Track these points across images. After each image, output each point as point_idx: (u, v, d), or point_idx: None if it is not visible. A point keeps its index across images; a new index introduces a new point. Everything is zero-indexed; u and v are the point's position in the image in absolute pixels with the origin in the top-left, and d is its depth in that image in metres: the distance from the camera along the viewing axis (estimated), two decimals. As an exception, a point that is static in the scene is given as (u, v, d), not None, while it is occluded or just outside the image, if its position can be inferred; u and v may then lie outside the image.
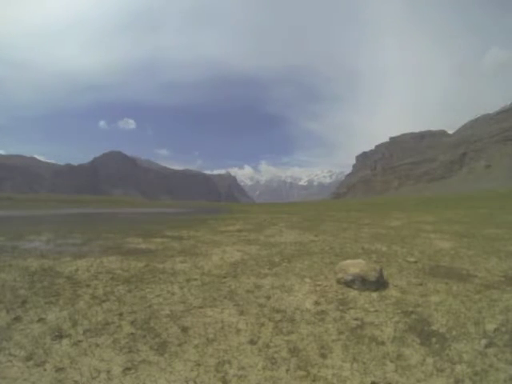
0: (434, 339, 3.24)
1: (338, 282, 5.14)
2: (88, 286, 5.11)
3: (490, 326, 3.48)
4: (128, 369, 2.70)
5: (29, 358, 2.84)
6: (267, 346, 3.12)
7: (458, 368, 2.73)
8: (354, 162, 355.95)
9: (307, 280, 5.50)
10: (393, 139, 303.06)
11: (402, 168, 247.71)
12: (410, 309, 4.08)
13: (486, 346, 3.08)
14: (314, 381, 2.57)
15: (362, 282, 4.87)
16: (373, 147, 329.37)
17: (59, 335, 3.29)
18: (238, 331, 3.46)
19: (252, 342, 3.20)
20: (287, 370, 2.70)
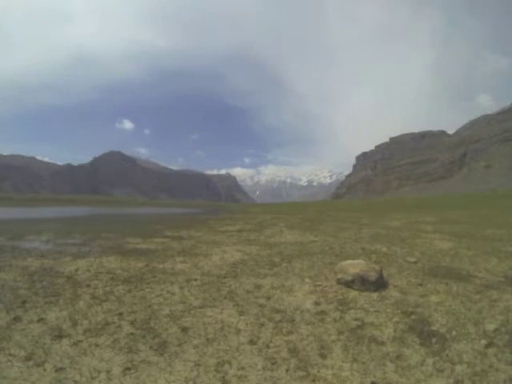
0: (433, 339, 3.24)
1: (338, 282, 5.14)
2: (88, 285, 5.12)
3: (490, 327, 3.47)
4: (128, 369, 2.70)
5: (29, 358, 2.84)
6: (267, 346, 3.12)
7: (458, 368, 2.73)
8: (354, 162, 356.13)
9: (307, 280, 5.50)
10: (393, 139, 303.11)
11: (402, 168, 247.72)
12: (410, 309, 4.08)
13: (486, 347, 3.08)
14: (313, 381, 2.57)
15: (362, 283, 4.87)
16: (373, 147, 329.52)
17: (59, 335, 3.29)
18: (238, 331, 3.46)
19: (252, 342, 3.20)
20: (287, 370, 2.71)
